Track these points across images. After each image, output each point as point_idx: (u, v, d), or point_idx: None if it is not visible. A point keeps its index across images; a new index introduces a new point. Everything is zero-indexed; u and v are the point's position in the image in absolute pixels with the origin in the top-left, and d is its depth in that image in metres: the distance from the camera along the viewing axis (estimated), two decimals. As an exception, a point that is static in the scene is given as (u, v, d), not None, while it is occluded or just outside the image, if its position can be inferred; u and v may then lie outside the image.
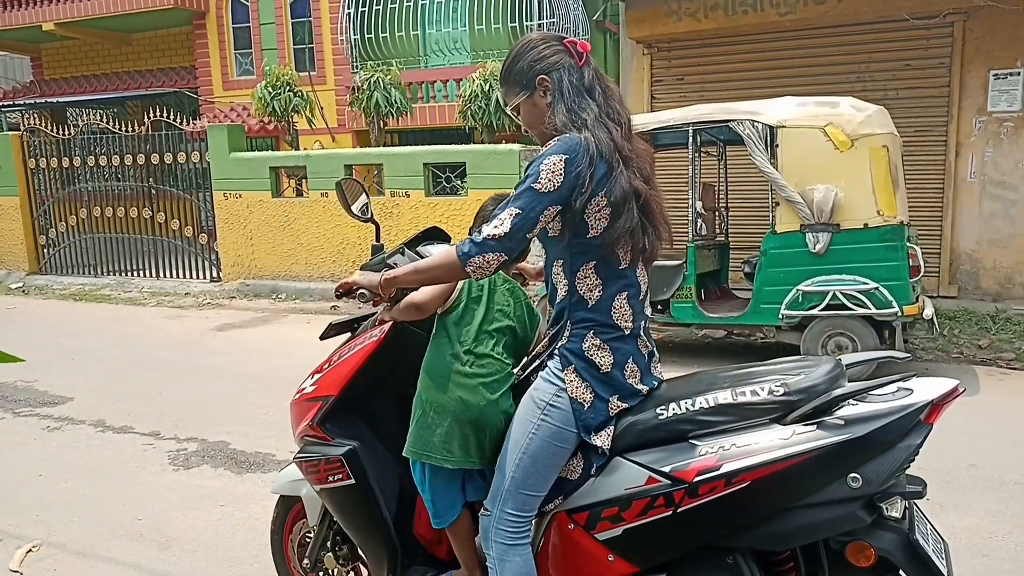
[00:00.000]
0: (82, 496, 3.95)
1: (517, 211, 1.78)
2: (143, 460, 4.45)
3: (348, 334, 2.48)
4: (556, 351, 1.94)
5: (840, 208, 5.43)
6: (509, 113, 2.03)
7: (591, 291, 1.90)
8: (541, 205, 1.79)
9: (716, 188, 7.13)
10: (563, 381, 1.90)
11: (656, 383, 2.01)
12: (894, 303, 5.33)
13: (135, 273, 11.55)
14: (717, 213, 7.13)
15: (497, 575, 1.96)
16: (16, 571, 3.22)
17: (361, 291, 2.05)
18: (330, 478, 2.27)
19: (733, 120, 5.81)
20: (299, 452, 2.39)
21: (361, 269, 2.15)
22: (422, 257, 2.22)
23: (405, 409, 2.45)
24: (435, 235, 2.45)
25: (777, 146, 5.66)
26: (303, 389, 2.42)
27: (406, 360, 2.31)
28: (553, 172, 1.78)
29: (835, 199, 5.40)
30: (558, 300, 1.96)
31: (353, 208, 2.49)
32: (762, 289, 5.78)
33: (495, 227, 1.79)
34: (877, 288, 5.37)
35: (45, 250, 12.08)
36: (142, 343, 7.56)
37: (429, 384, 2.13)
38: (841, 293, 5.45)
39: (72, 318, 9.14)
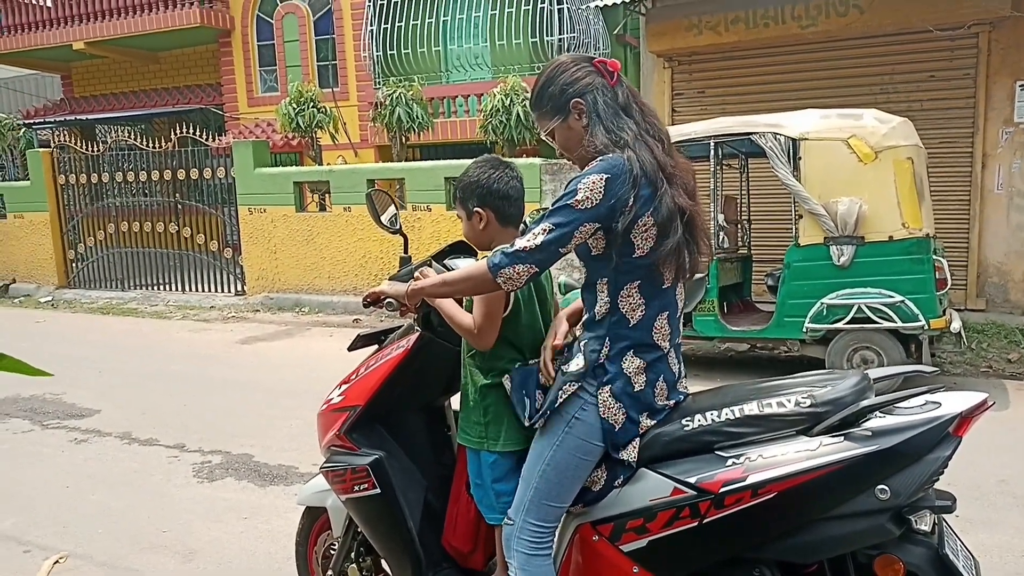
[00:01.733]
0: (108, 508, 4.00)
1: (551, 226, 1.78)
2: (168, 472, 4.49)
3: (375, 346, 2.50)
4: (594, 368, 1.90)
5: (864, 220, 5.38)
6: (544, 138, 2.01)
7: (634, 311, 1.88)
8: (577, 222, 1.77)
9: (738, 201, 7.10)
10: (595, 398, 1.89)
11: (682, 397, 2.00)
12: (920, 316, 5.27)
13: (161, 287, 11.71)
14: (739, 226, 7.10)
15: None
16: (44, 581, 3.26)
17: (388, 300, 2.08)
18: (356, 487, 2.29)
19: (755, 133, 5.80)
20: (326, 462, 2.41)
21: (389, 280, 2.17)
22: (449, 270, 2.24)
23: (431, 420, 2.47)
24: (461, 249, 2.46)
25: (800, 158, 5.63)
26: (330, 399, 2.44)
27: (433, 371, 2.33)
28: (592, 190, 1.77)
29: (859, 211, 5.36)
30: (596, 318, 1.92)
31: (382, 219, 2.52)
32: (786, 302, 5.74)
33: (527, 240, 1.79)
34: (903, 301, 5.31)
35: (74, 264, 12.29)
36: (168, 356, 7.65)
37: (482, 376, 2.13)
38: (866, 306, 5.39)
39: (99, 332, 9.27)
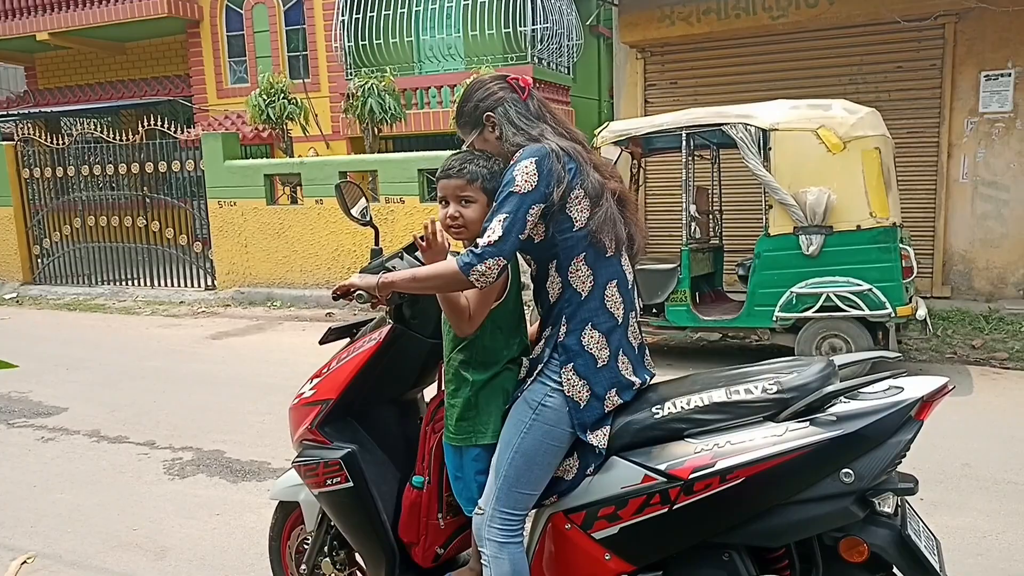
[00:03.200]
0: (77, 507, 3.95)
1: (505, 215, 1.85)
2: (138, 470, 4.44)
3: (347, 339, 2.49)
4: (552, 348, 1.97)
5: (833, 210, 5.46)
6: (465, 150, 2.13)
7: (583, 283, 1.95)
8: (525, 205, 1.86)
9: (710, 191, 7.15)
10: (559, 381, 1.93)
11: (649, 376, 2.04)
12: (887, 304, 5.36)
13: (130, 282, 11.54)
14: (711, 216, 7.15)
15: (491, 573, 1.98)
16: (12, 581, 3.22)
17: (359, 293, 2.07)
18: (328, 481, 2.28)
19: (726, 123, 5.84)
20: (298, 456, 2.40)
21: (360, 272, 2.16)
22: (419, 263, 2.23)
23: (404, 413, 2.46)
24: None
25: (770, 149, 5.69)
26: (302, 393, 2.43)
27: (405, 364, 2.33)
28: (527, 174, 1.87)
29: (828, 201, 5.43)
30: (551, 301, 1.99)
31: (352, 211, 2.51)
32: (756, 292, 5.81)
33: (489, 235, 1.84)
34: (870, 289, 5.40)
35: (39, 260, 12.07)
36: (137, 352, 7.55)
37: (477, 372, 2.09)
38: (835, 295, 5.47)
39: (66, 328, 9.12)
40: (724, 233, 7.42)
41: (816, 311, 5.55)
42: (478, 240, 1.86)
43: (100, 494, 4.10)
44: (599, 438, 1.93)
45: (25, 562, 3.35)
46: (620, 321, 1.98)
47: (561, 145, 1.94)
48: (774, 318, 5.69)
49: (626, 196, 2.04)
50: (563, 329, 1.95)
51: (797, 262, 5.59)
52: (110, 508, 3.91)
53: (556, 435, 1.93)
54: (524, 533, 2.03)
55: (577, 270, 1.95)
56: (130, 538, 3.57)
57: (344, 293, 2.11)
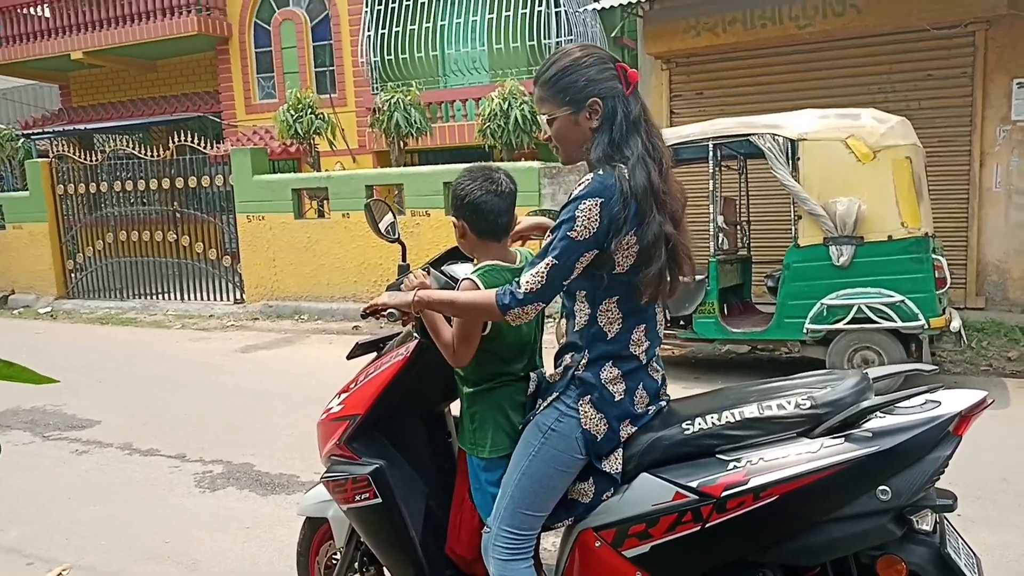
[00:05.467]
0: (110, 519, 3.99)
1: (555, 262, 1.78)
2: (170, 482, 4.49)
3: (374, 353, 2.50)
4: (571, 379, 1.93)
5: (863, 220, 5.38)
6: (540, 118, 1.91)
7: (611, 324, 1.90)
8: (577, 253, 1.78)
9: (737, 202, 7.10)
10: (576, 411, 1.90)
11: (663, 404, 2.01)
12: (920, 316, 5.27)
13: (160, 296, 11.71)
14: (739, 227, 7.10)
15: None
16: (47, 592, 3.26)
17: (390, 311, 2.08)
18: (357, 497, 2.28)
19: (754, 134, 5.80)
20: (326, 471, 2.41)
21: (387, 289, 2.17)
22: (446, 276, 2.24)
23: (432, 427, 2.46)
24: (458, 255, 2.46)
25: (798, 159, 5.63)
26: (330, 409, 2.44)
27: (433, 378, 2.33)
28: (589, 219, 1.76)
29: (858, 211, 5.36)
30: (576, 328, 1.94)
31: (380, 228, 2.52)
32: (786, 303, 5.74)
33: (534, 279, 1.78)
34: (903, 301, 5.31)
35: (73, 275, 12.28)
36: (167, 366, 7.64)
37: (467, 385, 2.14)
38: (866, 306, 5.39)
39: (99, 342, 9.27)
40: (752, 244, 7.35)
41: (847, 323, 5.46)
42: (522, 279, 1.81)
43: (132, 506, 4.14)
44: (612, 463, 1.91)
45: (60, 574, 3.40)
46: (643, 362, 1.94)
47: (635, 182, 1.77)
48: (804, 330, 5.62)
49: (679, 245, 1.87)
50: (583, 361, 1.91)
51: (827, 273, 5.52)
52: (142, 520, 3.95)
53: (564, 460, 1.91)
54: (532, 549, 2.01)
55: (607, 311, 1.88)
56: (162, 550, 3.60)
57: (374, 311, 2.12)
